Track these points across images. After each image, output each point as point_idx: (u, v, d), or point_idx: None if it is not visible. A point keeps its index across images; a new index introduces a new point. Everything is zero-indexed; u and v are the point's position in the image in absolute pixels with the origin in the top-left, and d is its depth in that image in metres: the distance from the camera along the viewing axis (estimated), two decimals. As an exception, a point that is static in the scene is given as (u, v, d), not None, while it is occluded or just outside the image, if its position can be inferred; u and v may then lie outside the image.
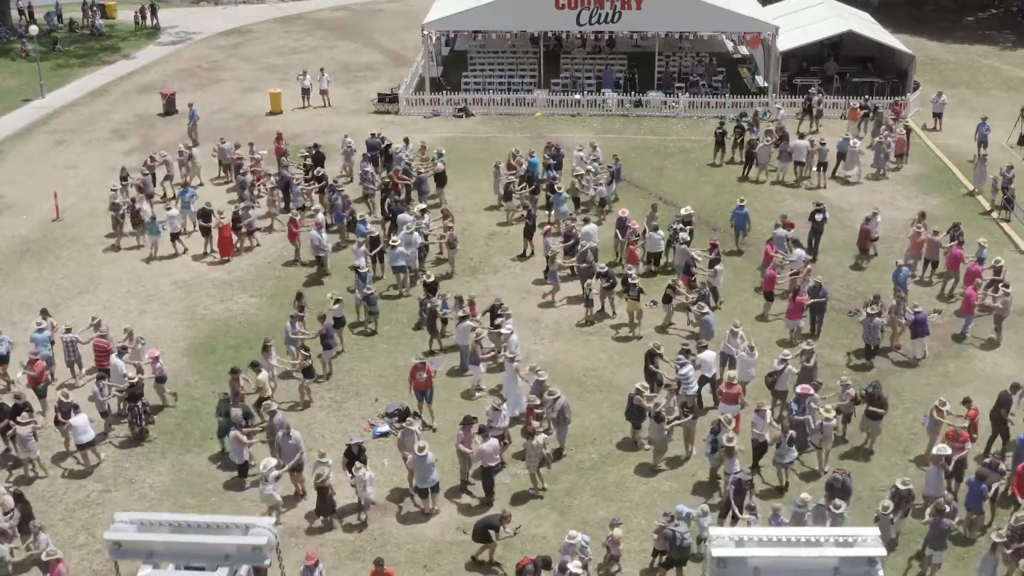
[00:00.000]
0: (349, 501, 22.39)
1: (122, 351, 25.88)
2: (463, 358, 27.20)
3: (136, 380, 24.65)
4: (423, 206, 34.10)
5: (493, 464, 22.37)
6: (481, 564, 21.06)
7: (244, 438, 22.62)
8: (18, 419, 23.22)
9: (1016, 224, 34.57)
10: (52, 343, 26.64)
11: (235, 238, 33.19)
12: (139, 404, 24.61)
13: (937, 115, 43.27)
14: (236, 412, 23.19)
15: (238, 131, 43.73)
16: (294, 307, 27.76)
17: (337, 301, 27.74)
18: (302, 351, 25.79)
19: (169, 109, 45.71)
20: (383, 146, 38.78)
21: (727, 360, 25.91)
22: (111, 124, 44.73)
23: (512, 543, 21.20)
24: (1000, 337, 28.48)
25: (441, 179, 37.29)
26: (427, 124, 44.79)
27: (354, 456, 22.14)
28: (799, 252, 29.91)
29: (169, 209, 33.29)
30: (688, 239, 31.03)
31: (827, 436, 23.16)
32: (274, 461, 21.88)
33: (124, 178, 35.55)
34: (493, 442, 22.39)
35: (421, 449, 21.70)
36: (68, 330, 26.75)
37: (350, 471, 21.91)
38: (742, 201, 33.58)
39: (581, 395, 26.20)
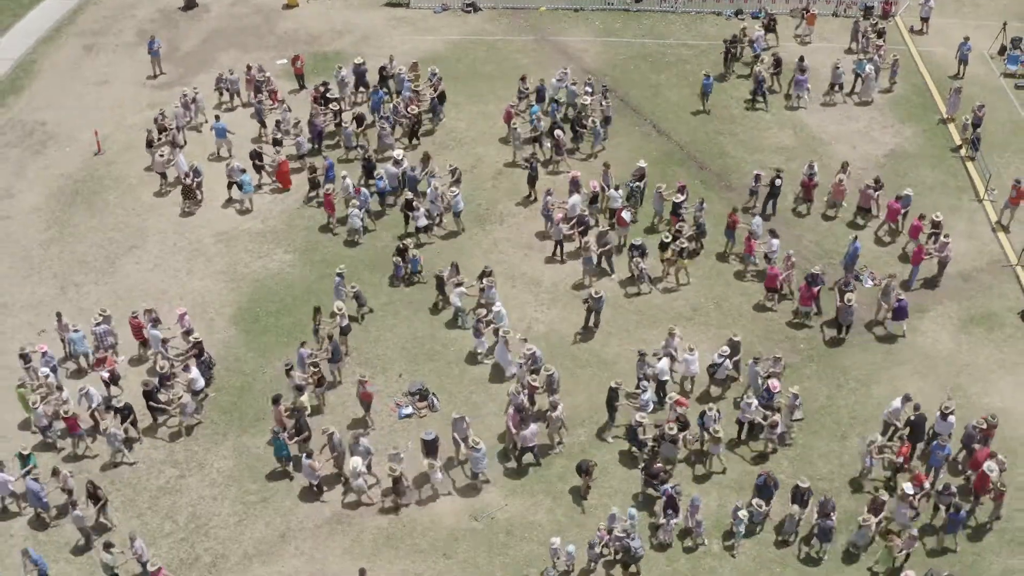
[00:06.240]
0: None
1: (155, 322, 30.22)
2: (459, 315, 31.73)
3: (198, 339, 29.63)
4: (399, 154, 36.29)
5: (532, 445, 27.64)
6: (583, 498, 27.10)
7: (317, 465, 26.87)
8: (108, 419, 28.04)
9: (979, 166, 37.51)
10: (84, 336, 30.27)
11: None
12: (204, 358, 29.62)
13: (924, 19, 44.99)
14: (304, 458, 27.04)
15: (257, 30, 45.93)
16: (313, 321, 30.61)
17: (337, 313, 30.19)
18: (312, 367, 28.94)
19: (189, 3, 47.45)
20: (382, 70, 40.37)
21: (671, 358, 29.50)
22: (135, 23, 46.55)
23: (513, 532, 26.43)
24: (940, 280, 32.93)
25: (442, 97, 39.94)
26: (436, 21, 46.66)
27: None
28: (776, 243, 32.59)
29: (233, 159, 37.08)
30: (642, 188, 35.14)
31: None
32: (361, 461, 26.54)
33: (161, 130, 37.66)
34: (533, 427, 27.53)
35: (476, 442, 26.79)
36: (99, 323, 30.08)
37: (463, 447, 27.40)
38: (706, 75, 40.28)
39: (573, 370, 30.46)
